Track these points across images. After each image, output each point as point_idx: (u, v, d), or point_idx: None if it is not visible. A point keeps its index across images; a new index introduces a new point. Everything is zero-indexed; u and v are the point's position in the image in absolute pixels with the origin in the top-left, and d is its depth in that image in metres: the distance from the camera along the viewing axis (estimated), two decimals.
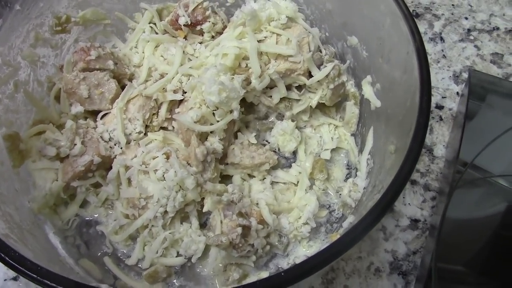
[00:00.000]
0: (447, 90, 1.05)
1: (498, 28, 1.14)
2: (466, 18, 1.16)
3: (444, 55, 1.10)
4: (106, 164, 0.84)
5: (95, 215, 0.85)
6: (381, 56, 0.78)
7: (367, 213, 0.57)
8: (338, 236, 0.71)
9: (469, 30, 1.14)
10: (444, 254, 0.79)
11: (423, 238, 0.88)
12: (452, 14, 1.17)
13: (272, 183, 0.87)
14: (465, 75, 1.07)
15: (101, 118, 0.87)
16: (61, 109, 0.89)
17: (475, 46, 1.11)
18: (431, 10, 1.18)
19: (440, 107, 1.03)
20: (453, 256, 0.80)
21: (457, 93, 1.05)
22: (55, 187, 0.81)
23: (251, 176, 0.88)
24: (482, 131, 0.92)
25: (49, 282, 0.55)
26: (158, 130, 0.89)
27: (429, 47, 1.11)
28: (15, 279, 0.85)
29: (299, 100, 0.91)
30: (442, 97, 1.04)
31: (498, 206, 0.86)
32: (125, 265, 0.81)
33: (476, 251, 0.83)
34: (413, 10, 1.17)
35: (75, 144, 0.82)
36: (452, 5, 1.18)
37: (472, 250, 0.83)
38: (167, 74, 0.88)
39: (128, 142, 0.86)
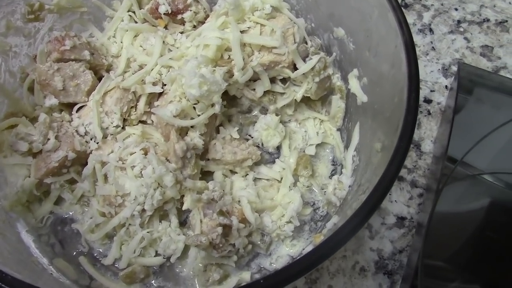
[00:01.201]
0: (435, 84, 1.03)
1: (488, 20, 1.11)
2: (456, 9, 1.13)
3: (433, 47, 1.08)
4: (81, 160, 0.80)
5: (71, 213, 0.82)
6: (368, 49, 0.75)
7: (352, 214, 0.54)
8: (322, 238, 0.69)
9: (459, 21, 1.11)
10: (431, 251, 0.77)
11: (409, 236, 0.86)
12: (442, 4, 1.14)
13: (255, 179, 0.84)
14: (454, 68, 1.04)
15: (76, 111, 0.84)
16: (35, 101, 0.85)
17: (465, 38, 1.09)
18: (421, 0, 1.15)
19: (428, 101, 1.00)
20: (440, 253, 0.78)
21: (446, 86, 1.02)
22: (28, 184, 0.77)
23: (233, 172, 0.85)
24: (471, 126, 0.90)
25: None
26: (137, 124, 0.85)
27: (418, 38, 1.08)
28: None
29: (283, 93, 0.88)
30: (431, 91, 1.02)
31: (484, 202, 0.85)
32: (102, 265, 0.78)
33: (463, 248, 0.81)
34: (402, 1, 1.14)
35: (49, 139, 0.78)
36: None
37: (459, 247, 0.81)
38: (146, 65, 0.85)
39: (104, 137, 0.82)
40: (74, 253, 0.79)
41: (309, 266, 0.52)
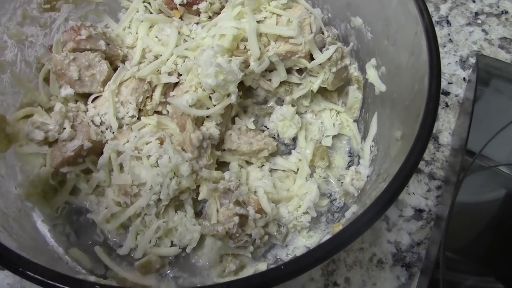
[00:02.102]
0: (453, 76, 1.01)
1: (506, 12, 1.09)
2: (474, 1, 1.12)
3: (450, 39, 1.06)
4: (97, 149, 0.80)
5: (86, 203, 0.82)
6: (386, 38, 0.74)
7: (372, 203, 0.54)
8: (341, 227, 0.68)
9: (476, 13, 1.10)
10: (452, 244, 0.76)
11: (427, 228, 0.85)
12: None
13: (271, 170, 0.84)
14: (472, 60, 1.03)
15: (92, 101, 0.83)
16: (51, 92, 0.85)
17: (483, 30, 1.07)
18: None
19: (446, 93, 0.99)
20: (460, 246, 0.77)
21: (464, 78, 1.01)
22: (43, 173, 0.77)
23: (249, 163, 0.84)
24: (490, 118, 0.89)
25: (32, 274, 0.51)
26: (152, 114, 0.85)
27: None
28: (1, 268, 0.82)
29: (299, 84, 0.87)
30: (448, 83, 1.00)
31: (502, 195, 0.83)
32: (117, 255, 0.77)
33: (483, 240, 0.80)
34: None
35: (64, 128, 0.78)
36: None
37: (480, 240, 0.80)
38: (161, 55, 0.84)
39: (120, 127, 0.82)
40: (90, 242, 0.78)
41: (328, 253, 0.52)
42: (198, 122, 0.80)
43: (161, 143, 0.77)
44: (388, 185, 0.54)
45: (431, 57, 0.61)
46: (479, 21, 1.08)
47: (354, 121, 0.88)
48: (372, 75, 0.80)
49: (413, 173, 0.56)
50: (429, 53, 0.61)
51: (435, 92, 0.59)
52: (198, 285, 0.76)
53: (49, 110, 0.82)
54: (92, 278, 0.56)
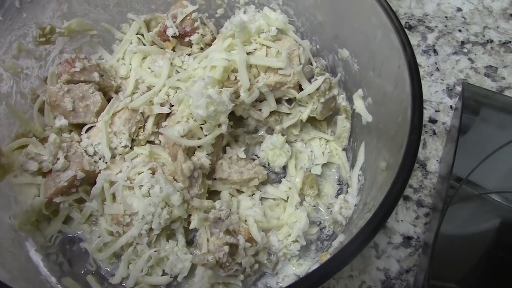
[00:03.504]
0: (440, 104, 1.03)
1: (492, 41, 1.12)
2: (460, 31, 1.14)
3: (437, 67, 1.09)
4: (90, 179, 0.81)
5: (79, 232, 0.83)
6: (372, 70, 0.76)
7: (358, 232, 0.55)
8: (329, 256, 0.69)
9: (462, 42, 1.12)
10: (438, 272, 0.77)
11: (416, 256, 0.86)
12: (446, 26, 1.15)
13: (262, 199, 0.85)
14: (458, 88, 1.05)
15: (85, 132, 0.85)
16: (45, 122, 0.86)
17: (469, 59, 1.10)
18: (424, 22, 1.16)
19: (433, 121, 1.01)
20: (446, 274, 0.78)
21: (451, 106, 1.03)
22: (37, 203, 0.78)
23: (239, 191, 0.86)
24: (476, 145, 0.90)
25: None
26: (145, 144, 0.86)
27: (422, 59, 1.09)
28: None
29: (289, 114, 0.89)
30: (436, 111, 1.02)
31: (491, 222, 0.84)
32: (109, 284, 0.78)
33: (470, 268, 0.81)
34: (406, 22, 1.15)
35: (58, 159, 0.79)
36: (446, 17, 1.16)
37: (466, 268, 0.81)
38: (154, 86, 0.86)
39: (113, 157, 0.83)
40: (82, 272, 0.79)
41: (315, 283, 0.53)
42: (190, 152, 0.82)
43: (153, 173, 0.78)
44: (372, 215, 0.56)
45: (413, 90, 0.63)
46: (465, 50, 1.11)
47: (343, 150, 0.90)
48: (359, 105, 0.82)
49: (397, 203, 0.57)
50: (412, 86, 0.63)
51: (417, 123, 0.61)
52: None
53: (43, 140, 0.83)
54: None
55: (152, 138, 0.86)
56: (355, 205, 0.77)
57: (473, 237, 0.82)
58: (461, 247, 0.82)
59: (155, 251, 0.77)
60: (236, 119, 0.89)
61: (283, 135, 0.89)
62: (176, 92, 0.85)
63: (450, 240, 0.80)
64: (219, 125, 0.81)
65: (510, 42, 1.12)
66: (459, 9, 1.18)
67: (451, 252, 0.81)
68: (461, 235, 0.82)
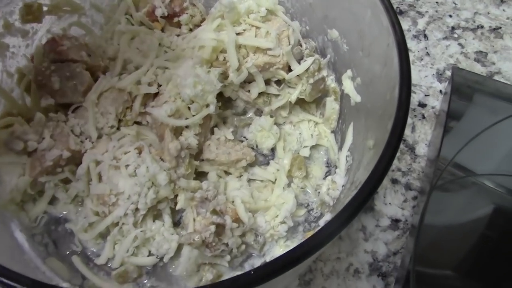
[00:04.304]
0: (430, 88, 1.03)
1: (482, 27, 1.12)
2: (450, 16, 1.14)
3: (427, 52, 1.08)
4: (76, 159, 0.80)
5: (64, 212, 0.82)
6: (361, 50, 0.76)
7: (341, 209, 0.55)
8: None
9: (453, 28, 1.12)
10: (424, 255, 0.77)
11: (404, 238, 0.86)
12: (436, 11, 1.15)
13: (249, 180, 0.85)
14: (448, 73, 1.05)
15: (72, 112, 0.84)
16: (31, 102, 0.85)
17: (459, 44, 1.10)
18: (415, 7, 1.16)
19: (423, 105, 1.01)
20: (432, 258, 0.78)
21: (440, 91, 1.03)
22: (22, 183, 0.77)
23: (227, 173, 0.85)
24: (465, 129, 0.90)
25: (5, 280, 0.51)
26: (132, 125, 0.85)
27: (412, 44, 1.09)
28: None
29: (278, 95, 0.89)
30: (425, 95, 1.02)
31: (480, 206, 0.84)
32: (94, 265, 0.77)
33: (457, 252, 0.81)
34: (397, 7, 1.15)
35: (44, 138, 0.78)
36: (436, 2, 1.16)
37: (453, 252, 0.81)
38: (142, 66, 0.85)
39: (100, 137, 0.82)
40: (67, 252, 0.78)
41: (297, 258, 0.52)
42: (177, 132, 0.81)
43: (140, 152, 0.78)
44: (357, 192, 0.55)
45: (401, 68, 0.62)
46: (456, 35, 1.11)
47: (332, 132, 0.89)
48: (348, 86, 0.81)
49: (383, 180, 0.57)
50: (400, 64, 0.63)
51: (405, 100, 0.60)
52: None
53: (29, 120, 0.82)
54: (65, 285, 0.56)
55: (139, 119, 0.85)
56: (343, 186, 0.77)
57: (462, 222, 0.82)
58: (449, 232, 0.82)
59: (141, 231, 0.76)
60: (224, 100, 0.88)
61: (271, 116, 0.88)
62: (164, 72, 0.84)
63: (437, 224, 0.80)
64: (207, 106, 0.80)
65: (500, 27, 1.11)
66: None
67: (438, 236, 0.80)
68: (447, 218, 0.82)
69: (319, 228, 0.69)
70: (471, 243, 0.81)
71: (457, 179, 0.86)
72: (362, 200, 0.55)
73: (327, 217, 0.71)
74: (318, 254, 0.63)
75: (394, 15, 0.67)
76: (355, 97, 0.79)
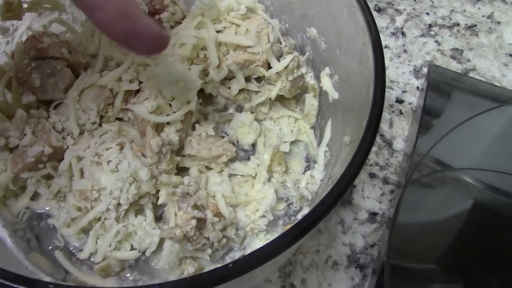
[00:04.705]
0: (407, 85, 1.06)
1: (458, 24, 1.15)
2: (428, 14, 1.17)
3: (405, 49, 1.11)
4: (58, 155, 0.81)
5: (47, 208, 0.82)
6: (338, 48, 0.78)
7: (318, 203, 0.56)
8: None
9: (430, 25, 1.15)
10: (398, 248, 0.79)
11: (381, 231, 0.88)
12: (414, 9, 1.17)
13: (230, 175, 0.86)
14: (425, 70, 1.07)
15: (54, 108, 0.85)
16: (12, 99, 0.86)
17: (436, 41, 1.12)
18: (393, 5, 1.18)
19: (400, 101, 1.03)
20: (406, 250, 0.80)
21: (417, 87, 1.05)
22: (4, 179, 0.78)
23: (208, 168, 0.86)
24: (441, 125, 0.93)
25: None
26: (114, 121, 0.86)
27: (390, 41, 1.11)
28: None
29: (258, 92, 0.90)
30: (403, 92, 1.05)
31: (457, 200, 0.87)
32: (77, 259, 0.78)
33: (435, 246, 0.83)
34: (375, 5, 1.17)
35: (25, 134, 0.79)
36: (414, 0, 1.19)
37: (430, 246, 0.83)
38: (123, 63, 0.86)
39: (81, 133, 0.83)
40: (50, 247, 0.79)
41: (278, 249, 0.54)
42: (159, 128, 0.82)
43: (121, 148, 0.79)
44: (333, 185, 0.57)
45: (376, 66, 0.64)
46: (432, 33, 1.13)
47: (311, 127, 0.91)
48: (326, 83, 0.83)
49: (358, 174, 0.59)
50: (375, 62, 0.65)
51: (379, 98, 0.62)
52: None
53: (10, 117, 0.83)
54: (47, 279, 0.57)
55: (121, 115, 0.86)
56: (321, 180, 0.79)
57: (435, 214, 0.85)
58: (422, 224, 0.84)
59: (123, 226, 0.77)
60: (205, 97, 0.89)
61: (252, 113, 0.90)
62: (145, 70, 0.85)
63: (411, 216, 0.82)
64: (188, 102, 0.81)
65: (475, 25, 1.14)
66: None
67: (411, 228, 0.83)
68: (423, 212, 0.85)
69: (297, 221, 0.72)
70: (447, 237, 0.84)
71: (433, 173, 0.88)
72: (338, 194, 0.57)
73: (305, 210, 0.73)
74: (297, 247, 0.65)
75: (369, 14, 0.69)
76: (333, 94, 0.81)
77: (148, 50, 0.61)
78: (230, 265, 0.52)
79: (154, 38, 0.60)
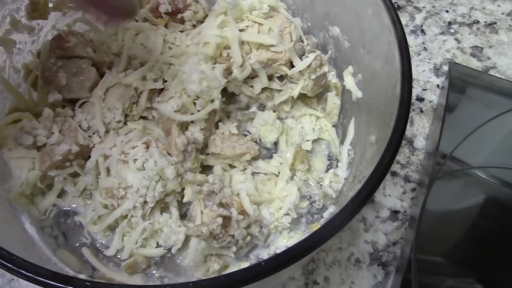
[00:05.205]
0: (427, 83, 1.06)
1: (478, 22, 1.14)
2: (447, 11, 1.16)
3: (425, 47, 1.11)
4: (84, 154, 0.82)
5: (73, 205, 0.84)
6: (362, 47, 0.78)
7: (347, 203, 0.57)
8: (319, 226, 0.71)
9: (449, 23, 1.15)
10: (424, 245, 0.80)
11: (402, 229, 0.88)
12: (433, 7, 1.17)
13: (253, 173, 0.87)
14: (445, 68, 1.07)
15: (79, 107, 0.86)
16: (38, 97, 0.87)
17: (456, 39, 1.12)
18: (413, 2, 1.18)
19: (420, 99, 1.03)
20: (432, 247, 0.81)
21: (438, 85, 1.05)
22: (32, 176, 0.79)
23: (232, 166, 0.87)
24: (462, 123, 0.93)
25: (25, 272, 0.53)
26: (138, 119, 0.87)
27: (410, 39, 1.11)
28: None
29: (280, 90, 0.91)
30: (423, 90, 1.05)
31: (476, 197, 0.87)
32: (104, 256, 0.80)
33: (455, 242, 0.84)
34: (395, 2, 1.17)
35: (53, 133, 0.80)
36: None
37: (452, 242, 0.83)
38: (147, 62, 0.87)
39: (107, 131, 0.84)
40: (77, 244, 0.81)
41: (306, 250, 0.54)
42: (183, 127, 0.83)
43: (147, 147, 0.80)
44: (362, 186, 0.58)
45: (403, 66, 0.65)
46: (452, 30, 1.13)
47: (333, 126, 0.92)
48: (349, 82, 0.84)
49: (386, 175, 0.59)
50: (401, 62, 0.65)
51: (406, 98, 0.63)
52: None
53: (36, 115, 0.84)
54: (82, 276, 0.59)
55: (145, 114, 0.87)
56: (345, 179, 0.79)
57: (458, 212, 0.85)
58: (446, 221, 0.85)
59: (149, 223, 0.78)
60: (228, 95, 0.90)
61: (274, 111, 0.90)
62: (169, 68, 0.86)
63: (435, 214, 0.83)
64: (212, 101, 0.82)
65: (495, 23, 1.14)
66: None
67: (436, 226, 0.83)
68: (446, 210, 0.85)
69: (326, 220, 0.72)
70: (468, 233, 0.84)
71: (455, 171, 0.88)
72: (367, 194, 0.57)
73: (331, 209, 0.74)
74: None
75: (395, 13, 0.69)
76: (356, 93, 0.82)
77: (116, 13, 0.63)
78: (262, 263, 0.53)
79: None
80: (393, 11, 0.69)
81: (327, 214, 0.73)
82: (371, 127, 0.73)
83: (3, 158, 0.80)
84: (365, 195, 0.58)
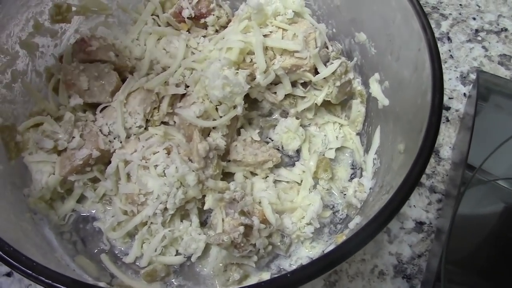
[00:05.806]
0: (454, 91, 1.03)
1: (506, 29, 1.12)
2: (474, 19, 1.14)
3: (451, 55, 1.08)
4: (105, 159, 0.81)
5: (93, 211, 0.83)
6: (390, 53, 0.76)
7: (376, 214, 0.55)
8: (344, 238, 0.69)
9: (477, 30, 1.12)
10: (453, 256, 0.77)
11: (428, 241, 0.86)
12: (460, 14, 1.15)
13: (275, 181, 0.85)
14: (472, 76, 1.05)
15: (100, 111, 0.85)
16: (60, 101, 0.86)
17: (483, 47, 1.09)
18: (439, 9, 1.15)
19: (447, 108, 1.01)
20: (461, 259, 0.78)
21: (464, 94, 1.03)
22: (52, 181, 0.79)
23: (253, 174, 0.86)
24: (490, 133, 0.90)
25: (44, 279, 0.52)
26: (159, 125, 0.86)
27: None
28: (8, 275, 0.83)
29: (304, 97, 0.89)
30: (449, 98, 1.02)
31: (499, 207, 0.84)
32: (123, 263, 0.78)
33: (485, 253, 0.81)
34: None
35: (74, 137, 0.79)
36: (460, 5, 1.16)
37: (480, 253, 0.81)
38: (169, 67, 0.86)
39: (128, 136, 0.83)
40: (96, 250, 0.80)
41: (333, 262, 0.53)
42: (205, 133, 0.82)
43: (168, 153, 0.78)
44: (391, 197, 0.56)
45: (434, 73, 0.63)
46: (479, 38, 1.11)
47: (357, 134, 0.90)
48: (376, 89, 0.82)
49: (417, 185, 0.57)
50: (432, 69, 0.63)
51: (437, 106, 0.61)
52: None
53: (58, 119, 0.84)
54: (102, 284, 0.57)
55: (166, 119, 0.86)
56: (370, 188, 0.77)
57: (486, 223, 0.82)
58: (475, 232, 0.82)
59: (169, 231, 0.77)
60: (250, 102, 0.89)
61: (297, 118, 0.89)
62: (192, 73, 0.85)
63: (465, 226, 0.80)
64: (235, 107, 0.81)
65: None
66: None
67: (466, 237, 0.81)
68: (475, 221, 0.82)
69: (350, 231, 0.70)
70: (499, 245, 0.81)
71: (481, 183, 0.86)
72: (397, 205, 0.55)
73: (357, 219, 0.72)
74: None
75: (425, 19, 0.67)
76: (383, 101, 0.80)
77: None
78: (288, 275, 0.51)
79: None
80: (423, 16, 0.67)
81: (352, 225, 0.71)
82: (399, 136, 0.71)
83: (23, 162, 0.79)
84: (395, 206, 0.56)
